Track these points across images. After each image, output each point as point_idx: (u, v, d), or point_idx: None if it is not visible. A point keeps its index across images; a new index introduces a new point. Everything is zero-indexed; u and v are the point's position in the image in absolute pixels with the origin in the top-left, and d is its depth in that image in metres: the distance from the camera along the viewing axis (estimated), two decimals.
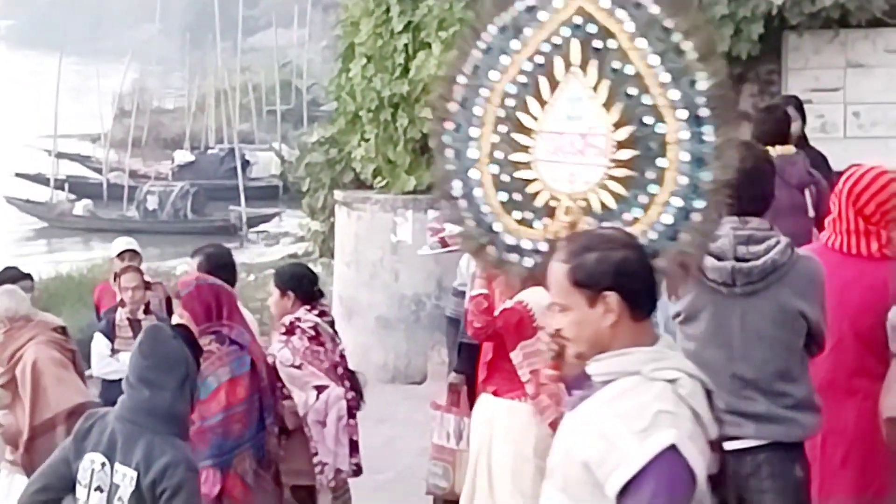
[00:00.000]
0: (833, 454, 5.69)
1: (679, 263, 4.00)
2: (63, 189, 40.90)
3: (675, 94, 4.03)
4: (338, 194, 15.18)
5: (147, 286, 9.71)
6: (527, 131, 4.33)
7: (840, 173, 6.06)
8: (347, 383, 7.46)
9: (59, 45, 45.10)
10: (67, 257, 27.87)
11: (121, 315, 9.55)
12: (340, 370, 7.48)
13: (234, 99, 46.08)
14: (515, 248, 4.41)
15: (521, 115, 4.33)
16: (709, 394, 3.73)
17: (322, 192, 16.98)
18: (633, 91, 4.07)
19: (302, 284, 7.53)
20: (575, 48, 4.18)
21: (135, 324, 9.31)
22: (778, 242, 5.20)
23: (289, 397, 7.22)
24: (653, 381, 3.64)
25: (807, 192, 8.30)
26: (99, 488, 5.24)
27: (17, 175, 41.49)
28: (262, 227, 37.52)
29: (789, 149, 8.44)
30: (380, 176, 14.82)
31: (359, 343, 12.88)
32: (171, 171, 43.06)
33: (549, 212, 4.31)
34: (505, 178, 4.40)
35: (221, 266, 7.39)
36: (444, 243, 7.45)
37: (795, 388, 5.21)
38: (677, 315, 5.34)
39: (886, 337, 5.61)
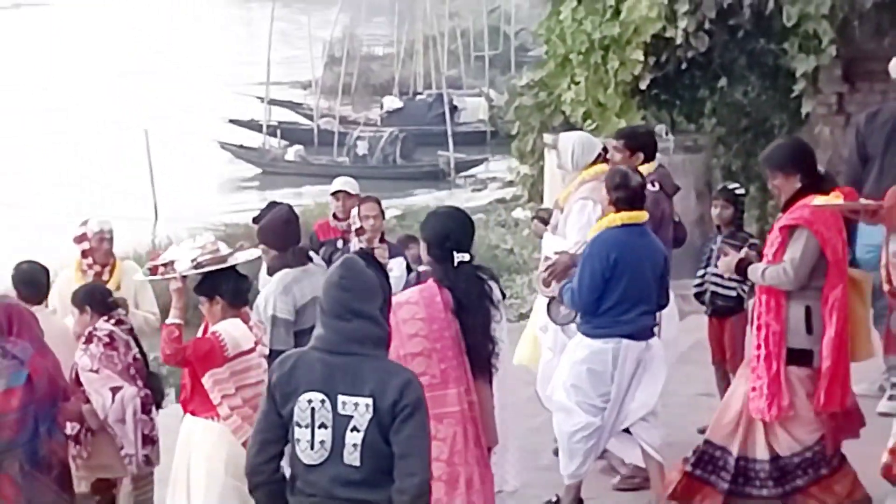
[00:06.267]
0: None
1: None
2: (275, 135, 41.46)
3: None
4: (547, 137, 15.12)
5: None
6: None
7: None
8: (140, 382, 8.28)
9: None
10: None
11: (356, 244, 9.82)
12: (133, 371, 8.29)
13: (442, 45, 46.14)
14: None
15: None
16: None
17: (531, 136, 16.97)
18: None
19: (94, 300, 8.41)
20: None
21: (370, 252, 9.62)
22: None
23: (89, 401, 8.13)
24: None
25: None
26: (322, 425, 5.28)
27: (231, 121, 42.14)
28: (469, 172, 37.56)
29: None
30: (589, 119, 14.72)
31: None
32: (380, 117, 43.31)
33: None
34: None
35: (25, 282, 8.63)
36: (153, 271, 8.06)
37: None
38: None
39: None
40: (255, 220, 9.19)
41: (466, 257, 7.02)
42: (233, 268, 7.80)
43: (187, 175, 35.62)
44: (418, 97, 45.40)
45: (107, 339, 8.19)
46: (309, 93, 47.55)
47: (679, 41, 14.00)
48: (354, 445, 5.24)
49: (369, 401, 5.24)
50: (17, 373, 7.63)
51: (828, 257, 7.61)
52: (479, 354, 7.02)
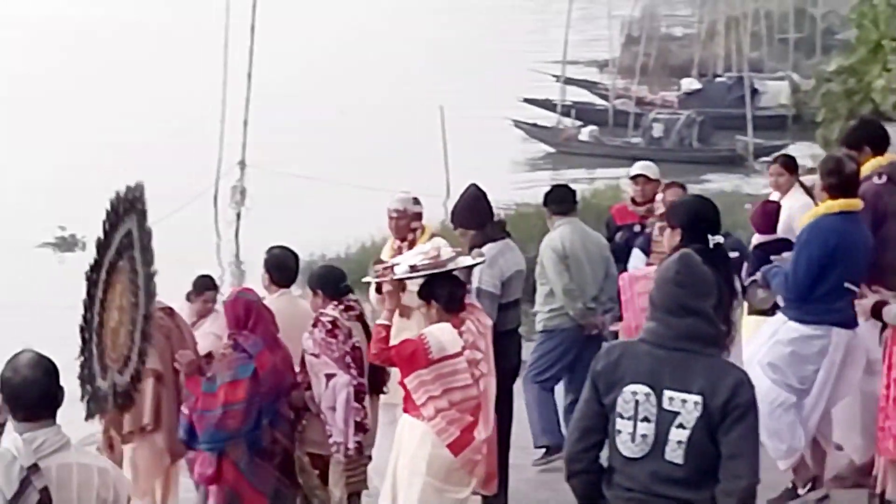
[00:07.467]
0: None
1: None
2: (569, 115, 41.25)
3: None
4: None
5: None
6: None
7: None
8: (355, 371, 8.37)
9: None
10: (572, 183, 27.97)
11: (657, 230, 9.83)
12: (349, 359, 8.37)
13: (744, 26, 45.18)
14: None
15: None
16: None
17: (838, 124, 16.29)
18: None
19: (328, 284, 8.59)
20: None
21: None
22: None
23: (310, 387, 8.40)
24: None
25: None
26: (646, 419, 5.28)
27: (525, 100, 42.12)
28: (769, 158, 36.58)
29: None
30: None
31: None
32: (678, 99, 42.67)
33: None
34: None
35: (276, 266, 8.91)
36: (380, 274, 8.22)
37: None
38: None
39: None
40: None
41: (721, 239, 7.26)
42: (450, 274, 7.95)
43: (480, 152, 35.62)
44: (717, 79, 44.63)
45: (329, 326, 8.39)
46: (605, 72, 47.24)
47: None
48: (679, 442, 5.22)
49: (698, 398, 5.21)
50: (245, 366, 8.11)
51: None
52: None
